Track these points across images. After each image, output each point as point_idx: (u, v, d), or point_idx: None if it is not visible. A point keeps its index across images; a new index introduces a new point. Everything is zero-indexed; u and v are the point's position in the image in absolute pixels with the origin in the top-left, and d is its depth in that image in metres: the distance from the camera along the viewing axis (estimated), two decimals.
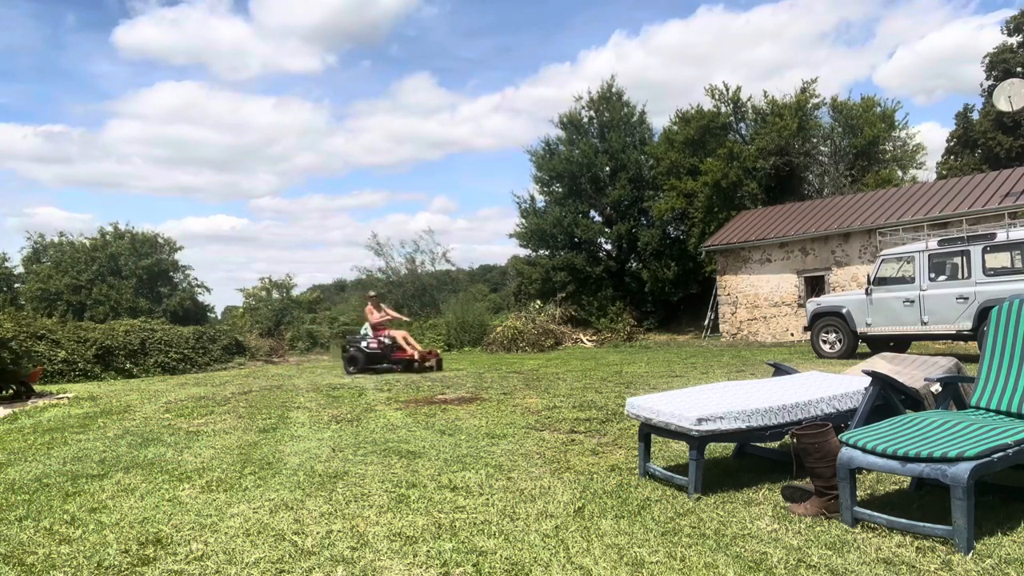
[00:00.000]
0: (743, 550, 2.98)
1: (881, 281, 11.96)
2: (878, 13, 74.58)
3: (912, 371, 4.81)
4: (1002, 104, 16.41)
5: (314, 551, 3.15)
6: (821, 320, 12.78)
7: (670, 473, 4.14)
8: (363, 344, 12.92)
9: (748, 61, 64.08)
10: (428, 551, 3.10)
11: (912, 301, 11.40)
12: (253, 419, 7.27)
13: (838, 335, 12.50)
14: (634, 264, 29.36)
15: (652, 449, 4.49)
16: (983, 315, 10.26)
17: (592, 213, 29.62)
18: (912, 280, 11.49)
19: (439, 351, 12.71)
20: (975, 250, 10.66)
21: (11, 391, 10.27)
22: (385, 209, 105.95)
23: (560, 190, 29.78)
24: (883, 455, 3.12)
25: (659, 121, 56.21)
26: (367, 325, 13.35)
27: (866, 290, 12.10)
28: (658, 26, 77.97)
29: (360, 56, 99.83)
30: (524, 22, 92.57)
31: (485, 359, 16.70)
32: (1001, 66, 29.99)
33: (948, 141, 32.99)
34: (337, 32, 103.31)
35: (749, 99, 26.41)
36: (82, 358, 16.49)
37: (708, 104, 26.44)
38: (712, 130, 25.78)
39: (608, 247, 29.89)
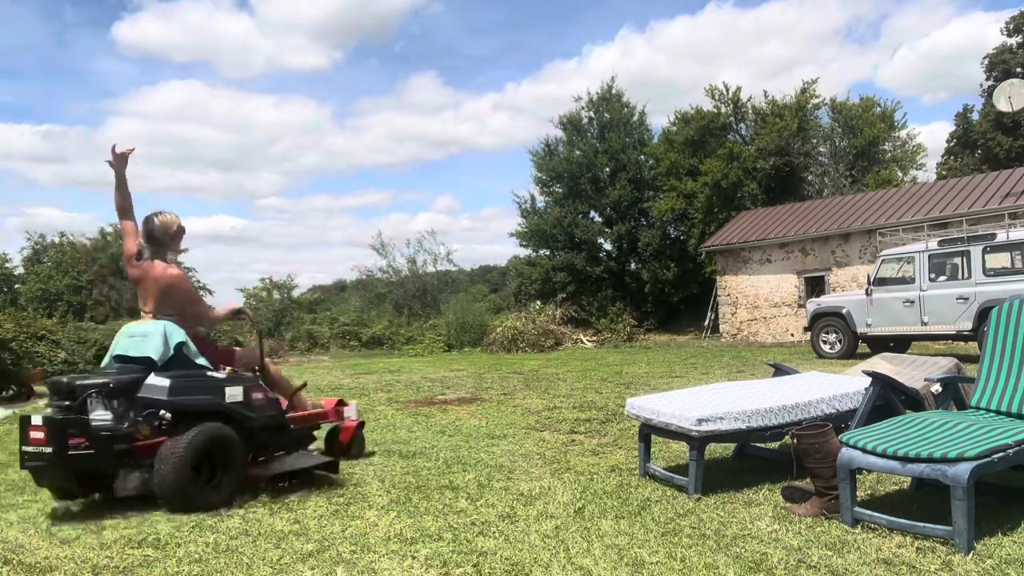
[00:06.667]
0: (743, 550, 2.98)
1: (881, 281, 11.96)
2: (888, 9, 73.83)
3: (912, 371, 4.81)
4: (1002, 104, 16.38)
5: (314, 551, 3.15)
6: (821, 320, 12.78)
7: (670, 473, 4.14)
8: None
9: (756, 59, 63.21)
10: (428, 552, 3.10)
11: (912, 301, 11.40)
12: None
13: (838, 335, 12.49)
14: (634, 264, 29.35)
15: (652, 449, 4.49)
16: (983, 315, 10.26)
17: (592, 213, 29.60)
18: (912, 280, 11.49)
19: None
20: (975, 250, 10.67)
21: (11, 392, 10.28)
22: (388, 208, 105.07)
23: (560, 190, 29.77)
24: (883, 455, 3.12)
25: (664, 120, 55.72)
26: (166, 335, 4.03)
27: (866, 290, 12.10)
28: (665, 22, 77.13)
29: (367, 54, 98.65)
30: (532, 18, 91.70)
31: (485, 359, 16.69)
32: (1001, 66, 30.00)
33: (948, 141, 33.01)
34: (343, 29, 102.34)
35: (749, 99, 26.43)
36: (82, 359, 16.44)
37: (708, 104, 26.49)
38: (712, 130, 25.77)
39: (608, 247, 29.88)
